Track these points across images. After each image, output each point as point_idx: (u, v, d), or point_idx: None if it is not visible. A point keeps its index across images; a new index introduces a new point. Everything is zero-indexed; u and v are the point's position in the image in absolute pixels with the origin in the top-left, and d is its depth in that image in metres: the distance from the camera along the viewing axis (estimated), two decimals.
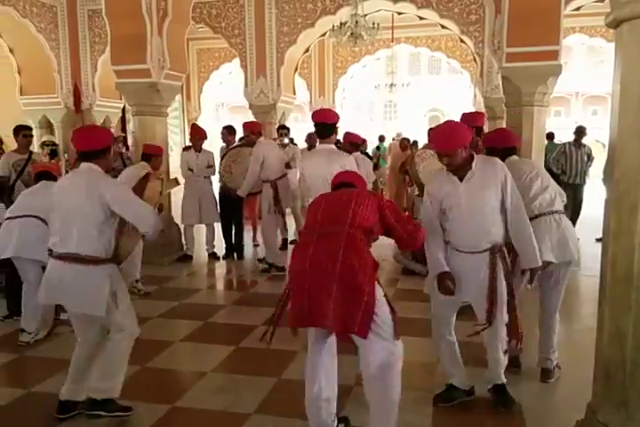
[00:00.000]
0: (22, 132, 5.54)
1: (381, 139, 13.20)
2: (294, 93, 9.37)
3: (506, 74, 5.48)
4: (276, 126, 8.24)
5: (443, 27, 8.55)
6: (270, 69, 8.62)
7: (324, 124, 3.97)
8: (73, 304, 2.76)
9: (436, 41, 11.50)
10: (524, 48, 5.31)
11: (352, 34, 8.15)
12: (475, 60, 8.76)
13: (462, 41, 8.58)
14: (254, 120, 6.43)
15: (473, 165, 2.78)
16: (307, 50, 9.25)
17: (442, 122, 2.91)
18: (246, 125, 6.17)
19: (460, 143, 2.70)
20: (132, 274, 4.95)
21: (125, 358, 2.86)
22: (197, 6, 8.33)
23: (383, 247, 5.75)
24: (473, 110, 5.59)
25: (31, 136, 5.68)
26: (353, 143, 6.00)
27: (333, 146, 4.15)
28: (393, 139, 13.47)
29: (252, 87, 8.68)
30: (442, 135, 2.77)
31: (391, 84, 16.17)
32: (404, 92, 23.35)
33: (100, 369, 2.84)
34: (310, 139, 7.75)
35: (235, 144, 6.69)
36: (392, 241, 2.68)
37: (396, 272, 5.84)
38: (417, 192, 5.74)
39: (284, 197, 5.98)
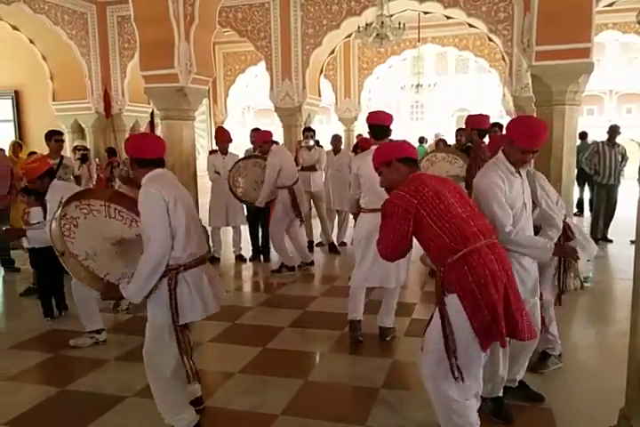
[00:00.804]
0: (54, 137, 5.68)
1: (421, 140, 13.08)
2: (320, 95, 9.39)
3: (536, 72, 5.38)
4: (302, 129, 8.26)
5: (470, 25, 8.45)
6: (295, 72, 8.65)
7: (381, 125, 3.91)
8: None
9: (463, 40, 11.37)
10: (554, 46, 5.20)
11: (378, 35, 8.11)
12: (503, 58, 8.64)
13: (490, 39, 8.47)
14: (265, 130, 6.43)
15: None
16: (332, 51, 9.25)
17: (520, 117, 2.82)
18: (258, 138, 6.29)
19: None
20: None
21: None
22: (223, 10, 8.41)
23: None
24: (480, 112, 5.43)
25: (62, 141, 5.81)
26: (366, 148, 6.04)
27: None
28: (425, 140, 13.38)
29: (277, 90, 8.72)
30: (537, 132, 2.60)
31: (418, 85, 16.04)
32: (431, 92, 23.13)
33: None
34: (335, 141, 7.76)
35: (241, 157, 6.72)
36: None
37: (423, 274, 5.79)
38: None
39: (300, 201, 6.04)
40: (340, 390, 3.24)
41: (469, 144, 5.15)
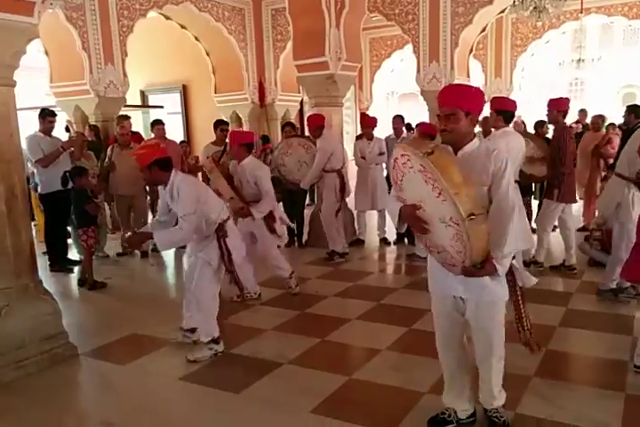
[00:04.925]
0: (220, 126, 6.23)
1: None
2: (468, 76, 9.06)
3: None
4: None
5: None
6: (444, 53, 8.43)
7: (511, 111, 4.46)
8: None
9: (634, 8, 10.17)
10: None
11: (535, 8, 7.58)
12: None
13: None
14: (318, 113, 6.17)
15: None
16: (483, 29, 8.85)
17: None
18: (311, 122, 6.01)
19: None
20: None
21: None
22: None
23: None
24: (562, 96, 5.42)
25: (227, 131, 6.34)
26: (427, 134, 5.78)
27: (512, 129, 4.67)
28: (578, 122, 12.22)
29: (424, 72, 8.58)
30: None
31: (579, 60, 14.72)
32: (594, 67, 21.11)
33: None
34: (484, 123, 7.42)
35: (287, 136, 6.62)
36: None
37: (581, 263, 5.40)
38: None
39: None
40: None
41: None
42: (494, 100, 4.69)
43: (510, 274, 2.38)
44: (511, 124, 4.68)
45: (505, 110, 4.44)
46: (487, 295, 2.39)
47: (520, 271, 2.46)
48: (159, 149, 3.47)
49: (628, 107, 6.23)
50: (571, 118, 7.43)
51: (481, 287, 2.36)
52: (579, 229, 6.82)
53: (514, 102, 4.58)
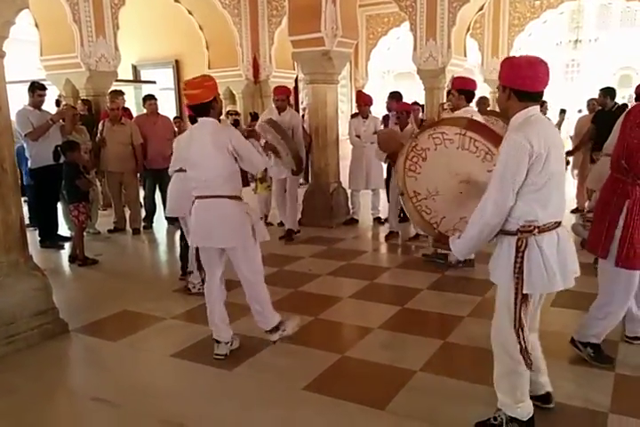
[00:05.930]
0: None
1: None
2: (465, 56, 8.95)
3: None
4: (446, 91, 7.98)
5: None
6: (441, 31, 8.30)
7: (472, 91, 4.64)
8: None
9: None
10: None
11: None
12: None
13: None
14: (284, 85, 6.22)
15: None
16: (481, 8, 8.73)
17: None
18: (278, 92, 5.93)
19: None
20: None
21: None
22: None
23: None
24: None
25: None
26: (408, 112, 6.08)
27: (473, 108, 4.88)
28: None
29: (420, 51, 8.47)
30: None
31: (576, 41, 14.60)
32: (591, 48, 20.96)
33: None
34: (481, 103, 7.36)
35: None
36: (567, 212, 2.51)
37: (574, 245, 5.42)
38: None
39: None
40: (480, 353, 3.18)
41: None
42: (456, 80, 4.84)
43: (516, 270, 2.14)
44: (472, 103, 4.87)
45: (466, 90, 4.60)
46: (492, 273, 2.31)
47: (533, 273, 2.14)
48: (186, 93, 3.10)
49: (603, 90, 6.31)
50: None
51: (492, 264, 2.30)
52: (572, 211, 6.85)
53: (474, 82, 4.77)
